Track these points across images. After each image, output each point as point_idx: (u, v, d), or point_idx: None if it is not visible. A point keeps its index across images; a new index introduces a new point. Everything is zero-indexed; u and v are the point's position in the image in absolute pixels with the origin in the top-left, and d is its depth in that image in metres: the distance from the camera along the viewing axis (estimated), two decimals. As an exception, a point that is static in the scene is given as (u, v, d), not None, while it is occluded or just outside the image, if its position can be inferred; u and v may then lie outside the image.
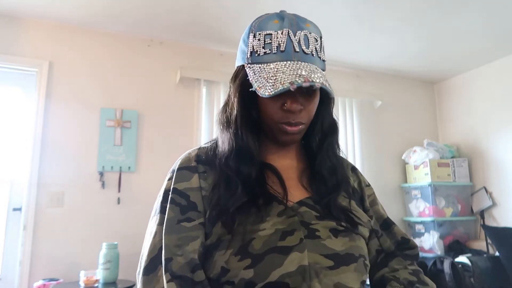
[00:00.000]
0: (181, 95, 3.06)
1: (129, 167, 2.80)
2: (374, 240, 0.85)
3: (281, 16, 0.76)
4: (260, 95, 0.69)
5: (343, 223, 0.73)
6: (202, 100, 3.05)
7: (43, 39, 2.75)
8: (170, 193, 0.74)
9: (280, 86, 0.67)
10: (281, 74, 0.69)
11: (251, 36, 0.75)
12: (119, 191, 2.75)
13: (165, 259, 0.67)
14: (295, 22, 0.74)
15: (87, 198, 2.67)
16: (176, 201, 0.73)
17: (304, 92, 0.73)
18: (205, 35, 3.01)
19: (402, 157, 3.69)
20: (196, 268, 0.68)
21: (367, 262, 0.75)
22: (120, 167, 2.77)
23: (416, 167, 3.58)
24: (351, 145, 3.54)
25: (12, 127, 2.68)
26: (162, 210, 0.73)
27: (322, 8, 2.60)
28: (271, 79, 0.69)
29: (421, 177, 3.50)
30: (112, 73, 2.89)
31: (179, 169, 0.77)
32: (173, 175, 0.77)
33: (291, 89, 0.66)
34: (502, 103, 3.46)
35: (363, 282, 0.72)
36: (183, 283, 0.66)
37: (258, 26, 0.75)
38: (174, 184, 0.75)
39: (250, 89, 0.71)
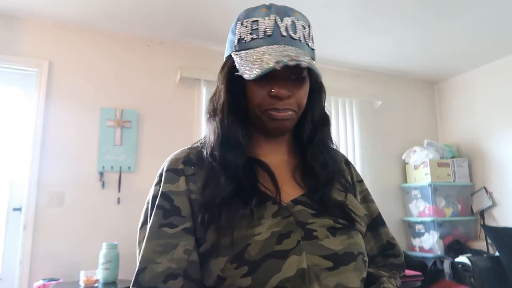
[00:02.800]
0: (181, 95, 3.06)
1: (129, 167, 2.80)
2: None
3: (268, 6, 0.76)
4: (246, 78, 0.67)
5: (340, 220, 0.71)
6: (202, 100, 3.05)
7: (43, 39, 2.75)
8: (158, 197, 0.71)
9: (266, 66, 0.65)
10: (268, 56, 0.68)
11: (238, 25, 0.75)
12: (119, 191, 2.75)
13: (137, 271, 0.65)
14: (283, 10, 0.74)
15: (87, 198, 2.66)
16: (160, 205, 0.70)
17: (293, 78, 0.72)
18: (205, 35, 3.01)
19: (402, 157, 3.69)
20: (169, 278, 0.64)
21: (366, 258, 0.73)
22: (120, 167, 2.77)
23: (416, 167, 3.58)
24: (351, 145, 3.53)
25: (12, 127, 2.68)
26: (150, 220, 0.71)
27: (323, 8, 2.60)
28: (257, 62, 0.68)
29: (421, 177, 3.50)
30: (112, 73, 2.89)
31: (166, 171, 0.74)
32: (160, 179, 0.74)
33: (277, 67, 0.64)
34: (502, 103, 3.46)
35: (364, 279, 0.71)
36: None
37: (245, 14, 0.75)
38: (160, 189, 0.72)
39: (236, 73, 0.70)
